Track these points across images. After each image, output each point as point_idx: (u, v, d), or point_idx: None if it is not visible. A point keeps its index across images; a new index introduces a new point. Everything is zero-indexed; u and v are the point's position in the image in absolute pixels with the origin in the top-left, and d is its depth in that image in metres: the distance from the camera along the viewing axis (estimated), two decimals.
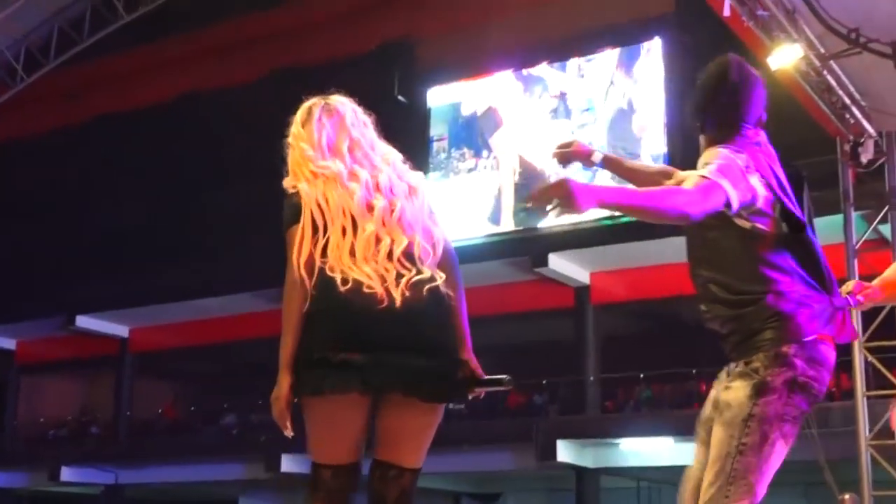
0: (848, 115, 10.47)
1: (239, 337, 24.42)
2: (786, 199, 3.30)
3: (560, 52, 19.65)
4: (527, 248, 19.52)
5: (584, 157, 3.73)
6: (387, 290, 3.20)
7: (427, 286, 3.28)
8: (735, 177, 3.15)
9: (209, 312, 24.02)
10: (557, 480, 21.65)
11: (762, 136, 3.42)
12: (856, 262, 11.06)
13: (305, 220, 3.30)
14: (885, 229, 11.69)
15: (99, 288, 24.12)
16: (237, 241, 22.79)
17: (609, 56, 19.14)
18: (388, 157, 3.53)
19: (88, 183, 25.65)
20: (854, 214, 11.35)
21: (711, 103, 3.45)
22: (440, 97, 20.55)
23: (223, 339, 24.79)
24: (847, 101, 10.20)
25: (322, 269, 3.24)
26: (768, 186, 3.27)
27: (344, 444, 3.30)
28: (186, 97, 24.24)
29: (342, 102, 3.59)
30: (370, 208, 3.34)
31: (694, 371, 20.34)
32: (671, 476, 22.04)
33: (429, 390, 3.26)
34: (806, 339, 3.21)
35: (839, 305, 3.34)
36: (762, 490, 3.18)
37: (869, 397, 11.22)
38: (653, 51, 18.96)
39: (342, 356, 3.17)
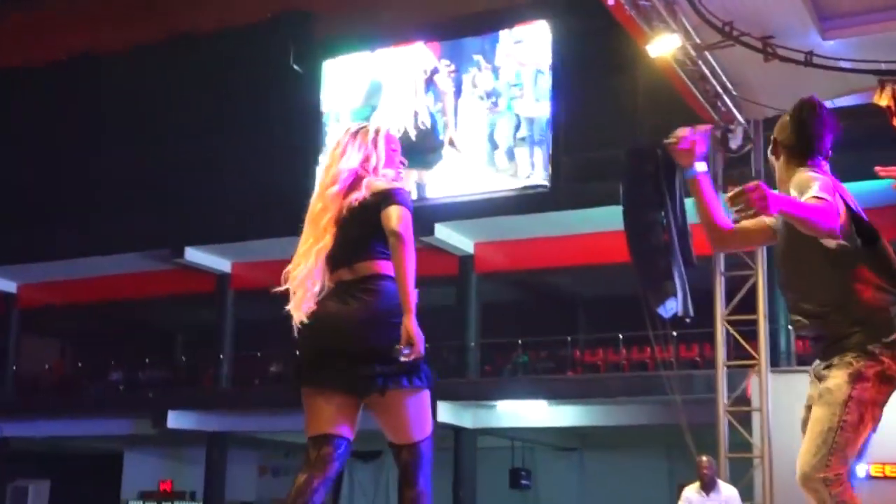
0: (720, 104, 11.23)
1: (127, 296, 24.53)
2: (860, 215, 3.70)
3: (451, 31, 20.19)
4: (414, 217, 19.93)
5: (693, 158, 3.94)
6: (304, 306, 3.77)
7: (341, 292, 3.76)
8: (835, 199, 3.58)
9: (98, 271, 23.99)
10: (437, 440, 22.04)
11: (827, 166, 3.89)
12: None
13: None
14: None
15: None
16: (127, 201, 22.91)
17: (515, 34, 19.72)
18: (337, 174, 3.94)
19: None
20: (721, 197, 12.19)
21: (800, 135, 3.86)
22: (338, 69, 20.71)
23: (112, 297, 24.77)
24: (719, 90, 10.93)
25: None
26: (846, 205, 3.69)
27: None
28: (81, 58, 24.10)
29: (345, 128, 4.12)
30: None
31: (569, 339, 21.20)
32: (544, 437, 22.95)
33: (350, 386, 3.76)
34: (888, 340, 3.69)
35: None
36: (853, 462, 3.67)
37: (728, 367, 12.23)
38: (540, 32, 19.54)
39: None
